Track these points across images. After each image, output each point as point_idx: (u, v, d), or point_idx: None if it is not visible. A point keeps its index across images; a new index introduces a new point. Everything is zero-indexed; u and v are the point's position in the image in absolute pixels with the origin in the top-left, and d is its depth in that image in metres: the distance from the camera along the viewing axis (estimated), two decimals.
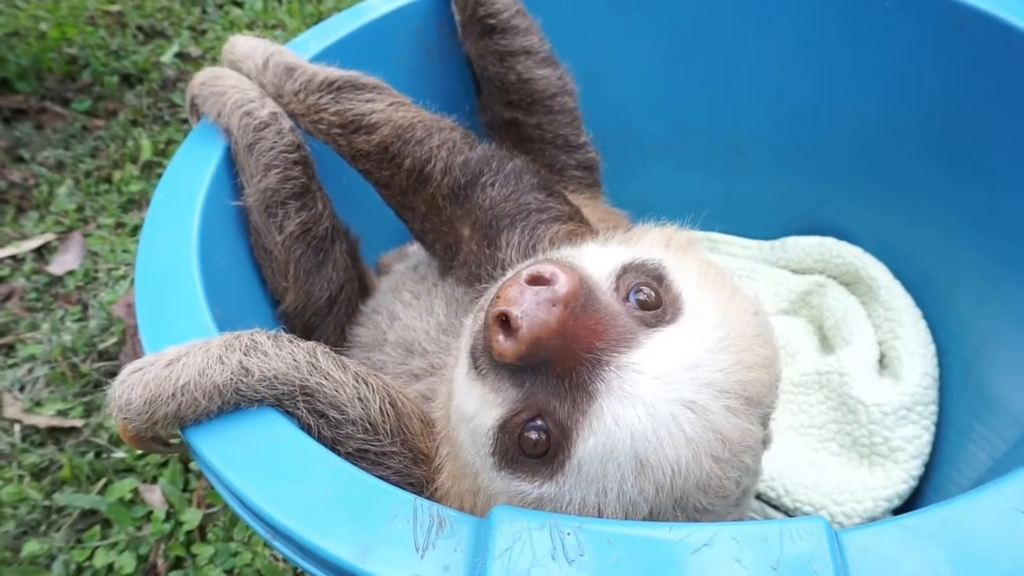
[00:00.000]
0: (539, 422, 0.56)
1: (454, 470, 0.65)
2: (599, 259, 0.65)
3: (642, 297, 0.60)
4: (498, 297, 0.54)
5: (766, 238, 1.43)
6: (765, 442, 0.67)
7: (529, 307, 0.52)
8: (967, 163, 1.10)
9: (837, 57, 1.19)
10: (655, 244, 0.74)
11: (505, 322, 0.53)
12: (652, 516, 0.55)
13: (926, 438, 1.07)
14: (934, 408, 1.09)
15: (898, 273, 1.26)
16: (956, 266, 1.15)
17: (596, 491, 0.55)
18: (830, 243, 1.33)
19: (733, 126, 1.35)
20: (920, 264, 1.23)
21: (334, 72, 0.94)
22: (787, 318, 1.34)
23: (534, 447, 0.57)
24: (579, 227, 0.87)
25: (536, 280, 0.54)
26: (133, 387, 0.60)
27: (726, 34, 1.25)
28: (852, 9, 1.14)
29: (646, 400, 0.53)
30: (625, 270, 0.63)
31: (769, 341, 0.65)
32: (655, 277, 0.63)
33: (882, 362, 1.19)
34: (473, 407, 0.60)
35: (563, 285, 0.54)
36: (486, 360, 0.58)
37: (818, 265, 1.34)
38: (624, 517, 0.55)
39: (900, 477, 1.03)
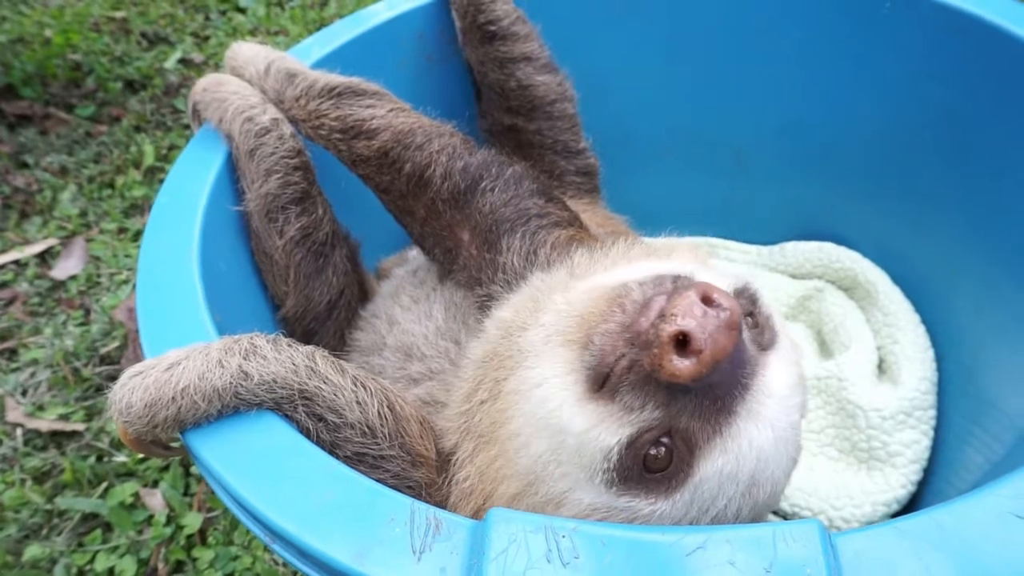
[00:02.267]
0: (665, 439, 0.58)
1: (491, 472, 0.65)
2: (719, 279, 0.66)
3: (751, 322, 0.63)
4: (672, 315, 0.54)
5: (765, 243, 1.44)
6: None
7: (712, 329, 0.53)
8: (967, 168, 1.10)
9: (837, 63, 1.20)
10: (686, 257, 0.77)
11: (680, 342, 0.53)
12: None
13: (925, 443, 1.07)
14: (933, 413, 1.09)
15: (897, 278, 1.26)
16: (955, 271, 1.15)
17: (700, 508, 0.58)
18: (829, 248, 1.33)
19: (733, 132, 1.36)
20: (919, 269, 1.23)
21: (335, 78, 0.95)
22: (786, 323, 1.35)
23: (656, 463, 0.58)
24: (579, 232, 0.87)
25: (707, 300, 0.54)
26: (133, 391, 0.60)
27: (726, 40, 1.25)
28: (852, 14, 1.15)
29: (773, 423, 0.58)
30: (738, 294, 0.65)
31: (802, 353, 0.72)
32: (752, 300, 0.67)
33: (881, 367, 1.19)
34: (585, 423, 0.58)
35: (734, 311, 0.54)
36: (633, 378, 0.57)
37: (817, 270, 1.34)
38: None
39: (899, 482, 1.04)
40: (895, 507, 1.04)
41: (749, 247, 1.45)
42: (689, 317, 0.53)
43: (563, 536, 0.48)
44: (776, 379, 0.59)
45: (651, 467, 0.58)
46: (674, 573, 0.45)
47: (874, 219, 1.30)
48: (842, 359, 1.16)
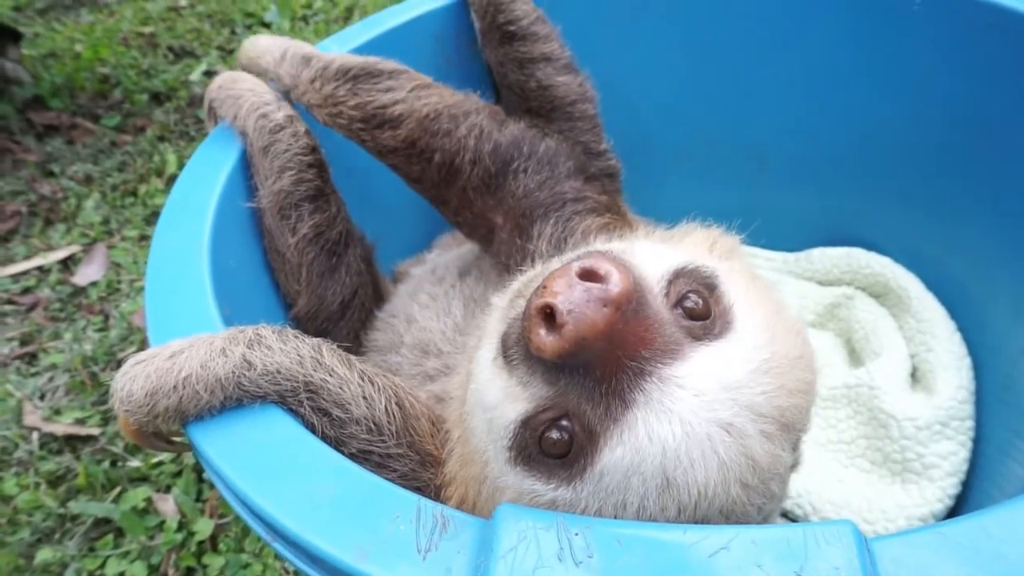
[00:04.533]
0: (565, 423, 0.53)
1: (464, 455, 0.63)
2: (652, 259, 0.61)
3: (690, 305, 0.57)
4: (544, 287, 0.50)
5: (791, 250, 1.40)
6: (794, 466, 0.64)
7: (578, 303, 0.48)
8: (1001, 168, 1.06)
9: (863, 62, 1.16)
10: (699, 246, 0.71)
11: (549, 315, 0.49)
12: None
13: (963, 455, 1.01)
14: (971, 423, 1.04)
15: (930, 284, 1.21)
16: (992, 275, 1.10)
17: (615, 503, 0.52)
18: (858, 254, 1.29)
19: (756, 135, 1.32)
20: (953, 274, 1.18)
21: (350, 59, 0.93)
22: (814, 331, 1.30)
23: (554, 447, 0.54)
24: (613, 220, 0.84)
25: (588, 275, 0.50)
26: (135, 379, 0.59)
27: (749, 41, 1.23)
28: (880, 12, 1.11)
29: (684, 417, 0.50)
30: (678, 275, 0.59)
31: (811, 365, 0.62)
32: (707, 286, 0.60)
33: (914, 376, 1.14)
34: (495, 397, 0.56)
35: (616, 285, 0.50)
36: (519, 351, 0.55)
37: (846, 276, 1.29)
38: None
39: (935, 495, 0.98)
40: (931, 522, 0.99)
41: (775, 254, 1.41)
42: (560, 291, 0.49)
43: (576, 534, 0.45)
44: (700, 371, 0.52)
45: (549, 451, 0.54)
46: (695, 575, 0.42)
47: (904, 223, 1.25)
48: (873, 367, 1.12)
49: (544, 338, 0.49)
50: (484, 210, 0.83)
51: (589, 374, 0.51)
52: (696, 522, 0.52)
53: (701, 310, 0.57)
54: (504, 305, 0.62)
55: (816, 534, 0.43)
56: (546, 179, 0.80)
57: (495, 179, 0.81)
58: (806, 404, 0.58)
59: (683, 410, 0.50)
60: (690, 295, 0.57)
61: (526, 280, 0.62)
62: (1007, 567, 0.44)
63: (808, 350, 0.62)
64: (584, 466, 0.52)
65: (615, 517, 0.52)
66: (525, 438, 0.54)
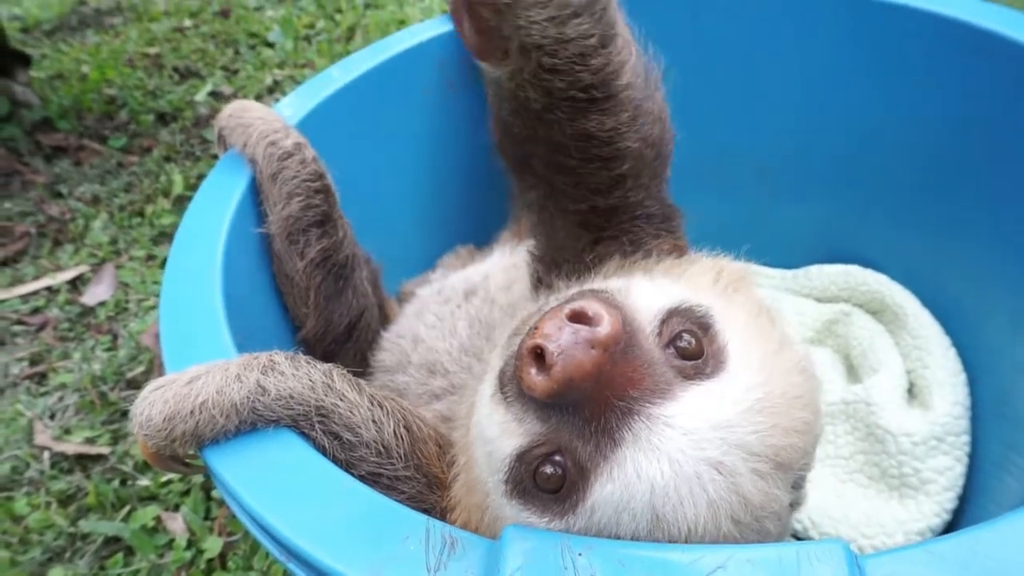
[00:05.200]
0: (558, 458, 0.55)
1: (468, 482, 0.65)
2: (646, 298, 0.62)
3: (683, 345, 0.58)
4: (536, 328, 0.53)
5: (789, 267, 1.42)
6: (794, 505, 0.64)
7: (566, 345, 0.50)
8: (996, 187, 1.08)
9: (861, 80, 1.19)
10: (703, 278, 0.71)
11: (539, 356, 0.51)
12: None
13: (959, 469, 1.03)
14: (966, 438, 1.06)
15: (926, 300, 1.23)
16: (987, 292, 1.12)
17: (607, 537, 0.53)
18: (855, 271, 1.31)
19: (755, 154, 1.35)
20: (949, 290, 1.20)
21: None
22: (812, 348, 1.32)
23: (548, 482, 0.56)
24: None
25: (578, 317, 0.52)
26: (153, 404, 0.61)
27: (748, 57, 1.25)
28: (877, 33, 1.14)
29: (672, 456, 0.52)
30: (671, 314, 0.60)
31: (811, 404, 0.62)
32: (700, 325, 0.60)
33: (911, 391, 1.16)
34: (493, 431, 0.59)
35: (605, 327, 0.52)
36: (514, 388, 0.57)
37: (843, 293, 1.32)
38: None
39: (932, 510, 1.00)
40: (929, 536, 1.00)
41: (773, 271, 1.44)
42: (550, 333, 0.51)
43: (580, 554, 0.47)
44: (689, 411, 0.53)
45: (543, 485, 0.55)
46: None
47: (901, 240, 1.27)
48: (870, 383, 1.14)
49: (534, 378, 0.51)
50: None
51: (579, 413, 0.53)
52: None
53: (693, 350, 0.58)
54: (503, 343, 0.64)
55: (809, 553, 0.45)
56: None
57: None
58: (804, 444, 0.58)
59: (671, 449, 0.52)
60: (683, 335, 0.58)
61: (524, 318, 0.65)
62: None
63: (810, 388, 0.62)
64: (576, 501, 0.54)
65: None
66: (520, 472, 0.57)
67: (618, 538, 0.53)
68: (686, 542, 0.52)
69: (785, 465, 0.56)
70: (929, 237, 1.22)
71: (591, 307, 0.52)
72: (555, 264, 0.84)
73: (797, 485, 0.62)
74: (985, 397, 1.10)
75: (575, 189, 0.77)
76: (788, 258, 1.43)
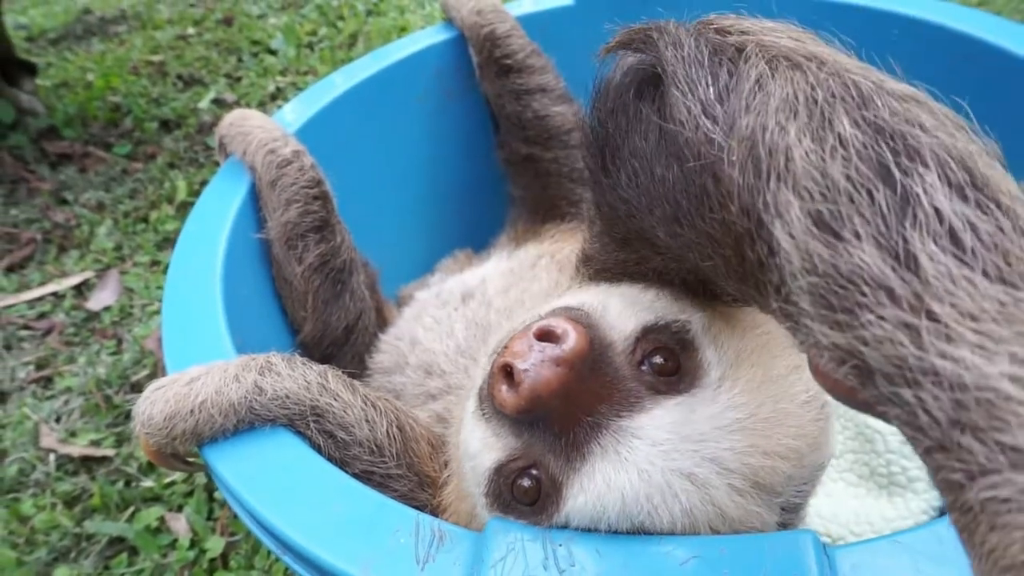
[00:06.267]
0: (534, 472, 0.57)
1: (458, 488, 0.67)
2: (622, 314, 0.62)
3: (657, 362, 0.58)
4: (506, 347, 0.55)
5: None
6: (787, 527, 0.62)
7: (533, 363, 0.53)
8: None
9: None
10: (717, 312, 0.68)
11: (509, 374, 0.54)
12: None
13: None
14: None
15: None
16: None
17: None
18: None
19: None
20: None
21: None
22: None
23: (525, 495, 0.57)
24: None
25: (546, 335, 0.54)
26: (154, 403, 0.63)
27: None
28: (861, 41, 1.16)
29: (640, 466, 0.53)
30: (647, 331, 0.60)
31: (807, 435, 0.59)
32: (679, 342, 0.61)
33: None
34: (475, 446, 0.61)
35: (570, 344, 0.53)
36: (489, 405, 0.59)
37: None
38: None
39: (920, 508, 1.02)
40: None
41: None
42: (519, 352, 0.53)
43: (559, 545, 0.49)
44: (657, 423, 0.54)
45: (520, 498, 0.57)
46: None
47: None
48: None
49: (505, 395, 0.54)
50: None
51: (549, 428, 0.55)
52: None
53: (668, 367, 0.58)
54: (485, 361, 0.67)
55: (779, 542, 0.47)
56: None
57: None
58: (792, 470, 0.58)
59: (639, 459, 0.53)
60: (658, 352, 0.59)
61: (502, 337, 0.66)
62: (956, 570, 0.47)
63: (809, 421, 0.60)
64: (552, 513, 0.56)
65: None
66: (499, 485, 0.59)
67: None
68: None
69: (766, 487, 0.56)
70: None
71: (558, 325, 0.54)
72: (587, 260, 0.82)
73: (790, 508, 0.61)
74: None
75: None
76: None
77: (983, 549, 0.28)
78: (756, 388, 0.58)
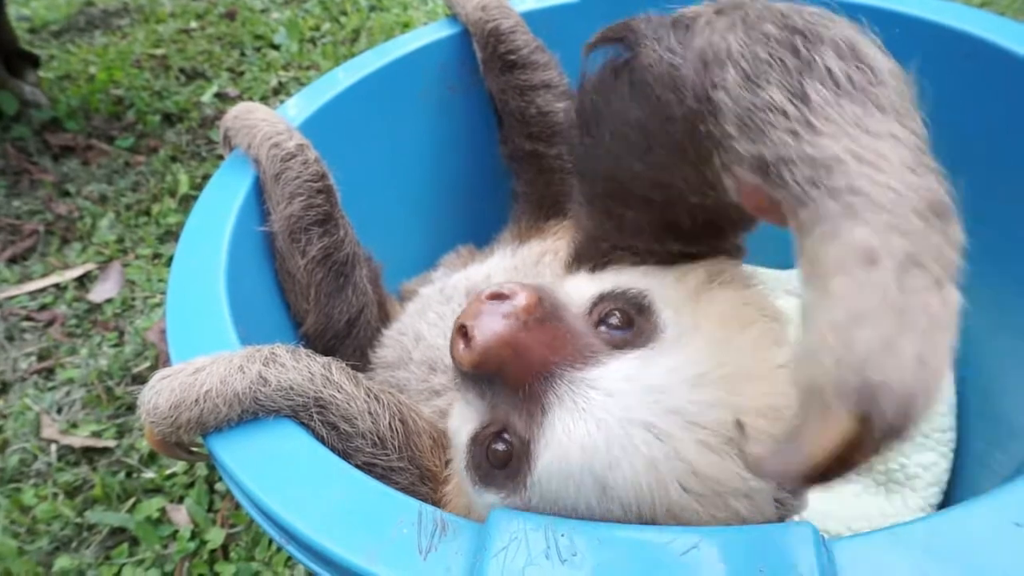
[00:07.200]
0: (505, 435, 0.58)
1: (459, 485, 0.67)
2: (580, 285, 0.65)
3: (614, 322, 0.60)
4: (464, 312, 0.58)
5: (783, 267, 1.44)
6: (786, 503, 0.60)
7: (485, 318, 0.56)
8: (979, 192, 1.10)
9: None
10: (688, 276, 0.69)
11: (466, 335, 0.57)
12: None
13: (943, 465, 1.06)
14: (952, 435, 1.08)
15: None
16: (970, 293, 1.14)
17: (562, 507, 0.55)
18: None
19: None
20: None
21: None
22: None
23: (500, 459, 0.58)
24: None
25: (497, 297, 0.57)
26: (160, 392, 0.64)
27: None
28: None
29: (597, 415, 0.53)
30: (602, 298, 0.63)
31: (782, 393, 0.57)
32: (636, 306, 0.62)
33: None
34: (456, 423, 0.63)
35: (519, 299, 0.57)
36: (458, 373, 0.61)
37: None
38: None
39: (917, 504, 1.02)
40: None
41: (768, 271, 1.46)
42: (473, 312, 0.57)
43: (562, 535, 0.49)
44: (613, 374, 0.54)
45: (496, 464, 0.59)
46: (668, 571, 0.46)
47: None
48: None
49: (461, 352, 0.57)
50: None
51: (506, 384, 0.57)
52: (646, 523, 0.53)
53: (623, 325, 0.60)
54: None
55: (778, 534, 0.48)
56: None
57: None
58: (767, 427, 0.54)
59: (595, 409, 0.53)
60: (614, 312, 0.61)
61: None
62: (954, 562, 0.48)
63: (783, 383, 0.58)
64: (525, 474, 0.56)
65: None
66: (477, 455, 0.60)
67: (573, 510, 0.54)
68: (638, 506, 0.53)
69: None
70: None
71: (508, 286, 0.58)
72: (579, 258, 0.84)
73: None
74: (970, 396, 1.12)
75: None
76: (782, 258, 1.45)
77: (821, 268, 0.39)
78: (719, 346, 0.58)
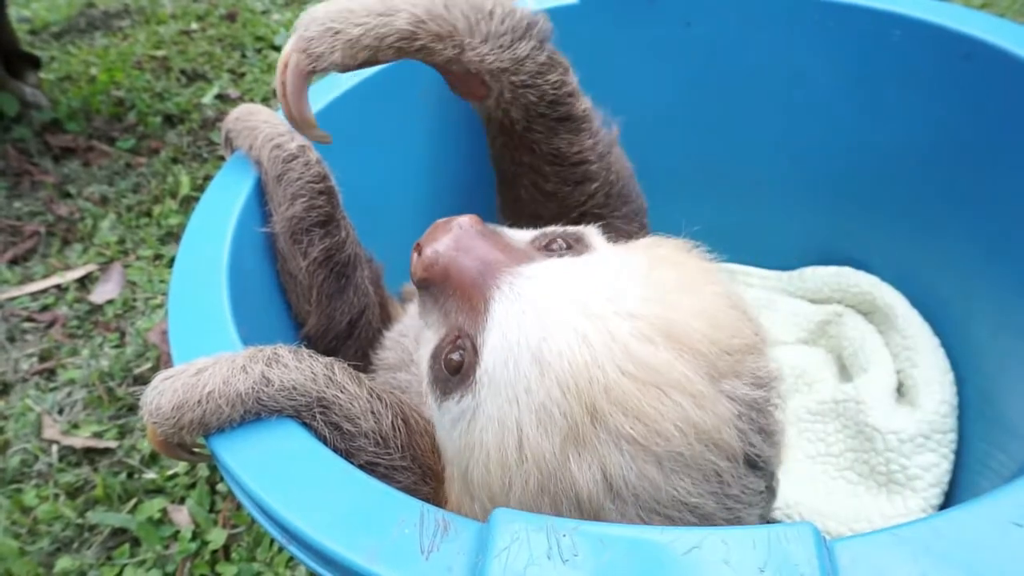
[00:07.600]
0: (460, 341, 0.62)
1: (460, 485, 0.67)
2: (523, 233, 0.73)
3: (555, 247, 0.68)
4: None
5: (784, 268, 1.44)
6: (760, 468, 0.59)
7: (434, 235, 0.65)
8: (979, 192, 1.11)
9: (849, 91, 1.22)
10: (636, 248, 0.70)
11: (420, 253, 0.65)
12: (573, 433, 0.53)
13: (944, 466, 1.06)
14: (953, 436, 1.08)
15: (916, 302, 1.26)
16: (971, 294, 1.15)
17: (509, 399, 0.56)
18: (847, 272, 1.34)
19: (748, 160, 1.37)
20: (938, 292, 1.23)
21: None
22: (806, 348, 1.35)
23: (455, 366, 0.62)
24: None
25: (447, 223, 0.66)
26: (163, 393, 0.64)
27: (740, 70, 1.28)
28: (863, 44, 1.17)
29: (536, 301, 0.57)
30: (544, 233, 0.71)
31: (720, 309, 0.58)
32: (574, 237, 0.70)
33: (900, 390, 1.18)
34: (421, 352, 0.68)
35: (463, 219, 0.65)
36: (418, 294, 0.68)
37: (836, 295, 1.34)
38: (544, 430, 0.54)
39: (919, 506, 1.03)
40: None
41: (768, 272, 1.46)
42: (425, 235, 0.66)
43: (564, 535, 0.49)
44: (551, 269, 0.60)
45: (453, 371, 0.62)
46: (670, 571, 0.47)
47: (890, 244, 1.30)
48: (860, 382, 1.16)
49: (414, 264, 0.66)
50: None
51: (456, 288, 0.63)
52: (591, 412, 0.53)
53: (564, 249, 0.68)
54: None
55: (779, 534, 0.48)
56: None
57: None
58: (707, 331, 0.55)
59: (534, 295, 0.58)
60: (556, 239, 0.69)
61: None
62: (955, 563, 0.48)
63: (721, 306, 0.59)
64: (475, 367, 0.60)
65: (516, 418, 0.56)
66: (436, 369, 0.64)
67: (518, 399, 0.56)
68: (577, 388, 0.53)
69: (688, 346, 0.54)
70: (918, 239, 1.25)
71: (456, 218, 0.66)
72: None
73: (740, 400, 0.56)
74: (971, 396, 1.12)
75: (557, 209, 0.98)
76: (782, 260, 1.45)
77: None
78: (653, 264, 0.61)
